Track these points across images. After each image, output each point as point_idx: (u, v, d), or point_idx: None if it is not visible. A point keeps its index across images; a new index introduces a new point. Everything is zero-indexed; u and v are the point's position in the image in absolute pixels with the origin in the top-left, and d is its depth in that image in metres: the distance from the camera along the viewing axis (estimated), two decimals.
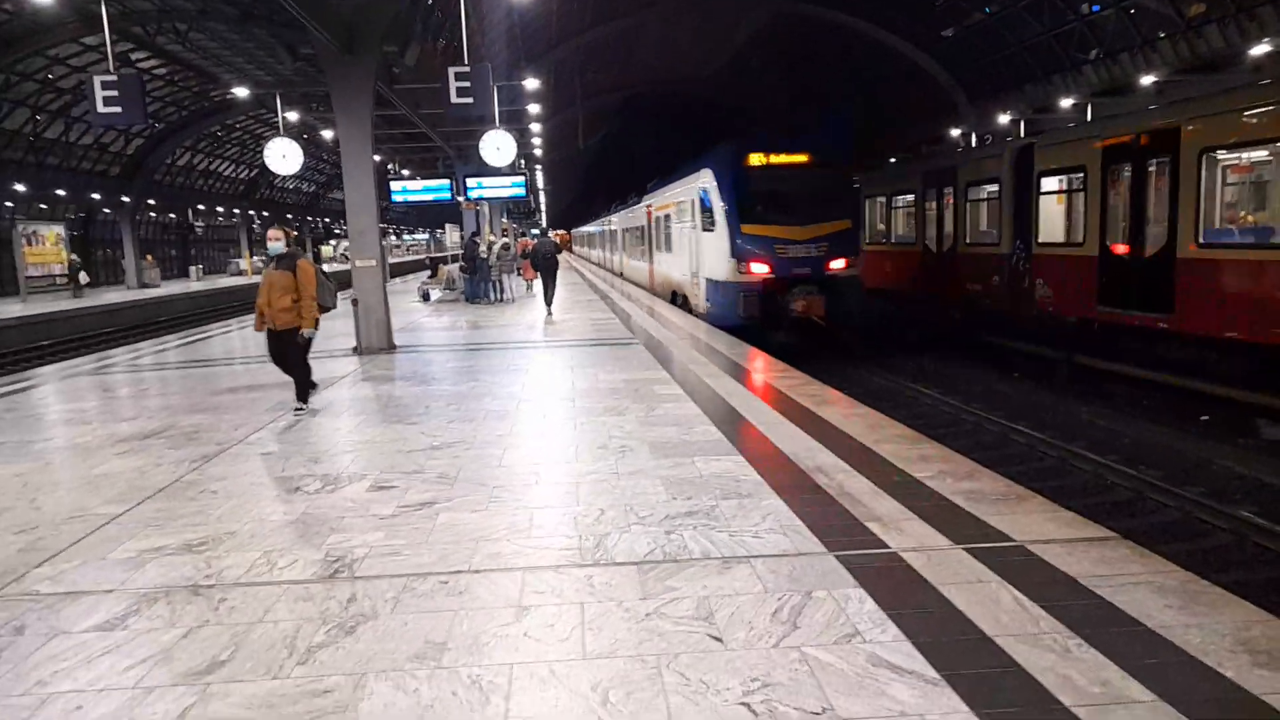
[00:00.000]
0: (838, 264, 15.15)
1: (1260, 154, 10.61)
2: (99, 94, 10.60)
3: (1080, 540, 4.38)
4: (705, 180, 16.49)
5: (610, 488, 5.53)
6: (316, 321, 8.42)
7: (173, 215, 56.22)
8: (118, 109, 10.72)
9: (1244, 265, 10.36)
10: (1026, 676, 3.08)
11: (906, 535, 4.52)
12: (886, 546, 4.38)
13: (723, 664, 3.27)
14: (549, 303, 18.77)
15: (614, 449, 6.51)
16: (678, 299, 19.88)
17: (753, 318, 14.98)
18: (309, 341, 8.53)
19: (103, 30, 10.74)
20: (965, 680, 3.07)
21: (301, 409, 8.40)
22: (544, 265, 18.87)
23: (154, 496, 5.75)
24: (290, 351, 8.44)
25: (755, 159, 15.80)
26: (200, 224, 58.61)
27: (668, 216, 20.80)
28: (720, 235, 15.62)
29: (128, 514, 5.39)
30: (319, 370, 11.35)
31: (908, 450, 6.21)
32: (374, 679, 3.24)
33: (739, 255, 15.24)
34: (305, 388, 8.59)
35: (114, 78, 10.77)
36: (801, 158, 15.87)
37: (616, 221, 33.49)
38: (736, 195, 15.53)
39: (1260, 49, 22.18)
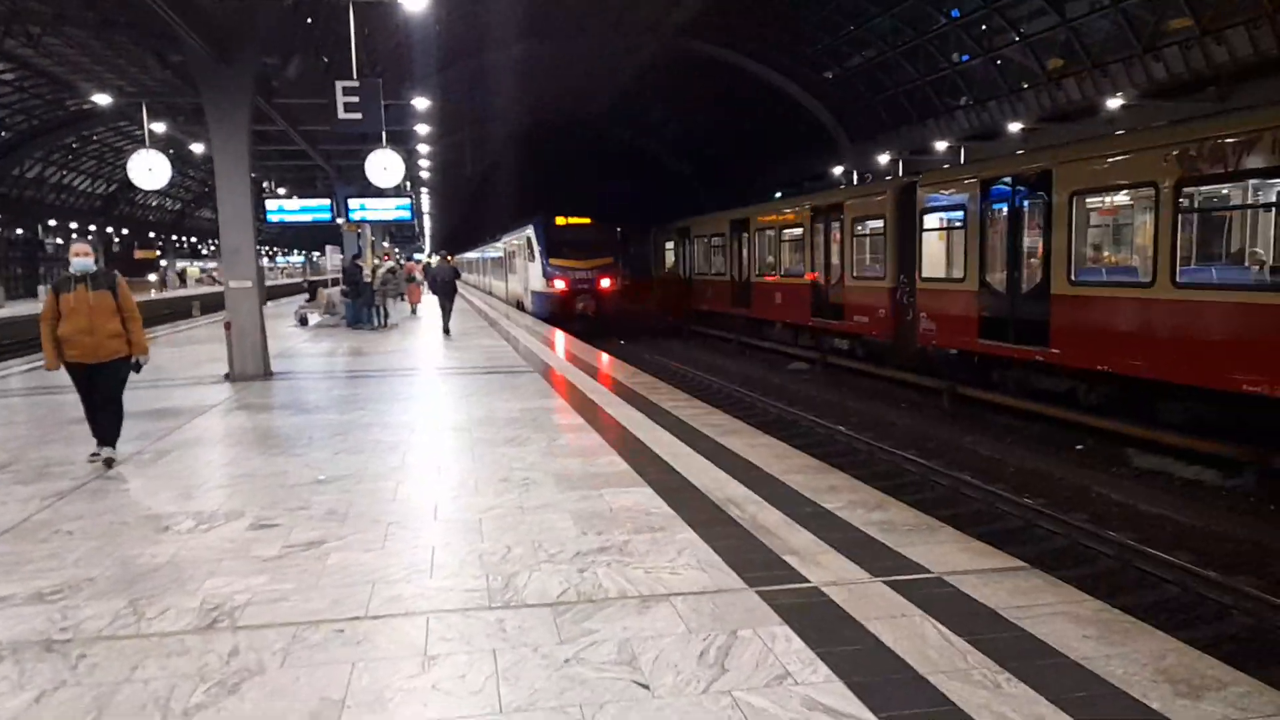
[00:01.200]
0: (605, 283, 26.00)
1: (1123, 198, 11.33)
2: None
3: (994, 570, 4.39)
4: (531, 231, 27.09)
5: (516, 523, 5.24)
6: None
7: (20, 231, 52.16)
8: None
9: (1111, 303, 10.99)
10: (964, 716, 2.99)
11: (825, 569, 4.43)
12: (807, 580, 4.27)
13: (652, 713, 3.04)
14: (446, 325, 19.53)
15: (517, 482, 6.21)
16: (519, 305, 29.96)
17: (554, 314, 24.76)
18: (139, 370, 7.36)
19: None
20: None
21: (112, 457, 7.01)
22: (443, 289, 20.01)
23: None
24: (115, 386, 7.11)
25: (559, 220, 26.59)
26: (52, 241, 54.58)
27: (513, 253, 31.76)
28: (538, 265, 26.17)
29: None
30: (188, 398, 10.57)
31: (816, 480, 6.18)
32: None
33: (548, 276, 25.68)
34: (119, 428, 7.20)
35: None
36: (584, 220, 26.86)
37: (488, 252, 45.18)
38: (546, 241, 26.06)
39: (1114, 102, 23.96)
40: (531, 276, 27.09)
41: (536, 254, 26.49)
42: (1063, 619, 3.78)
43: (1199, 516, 8.18)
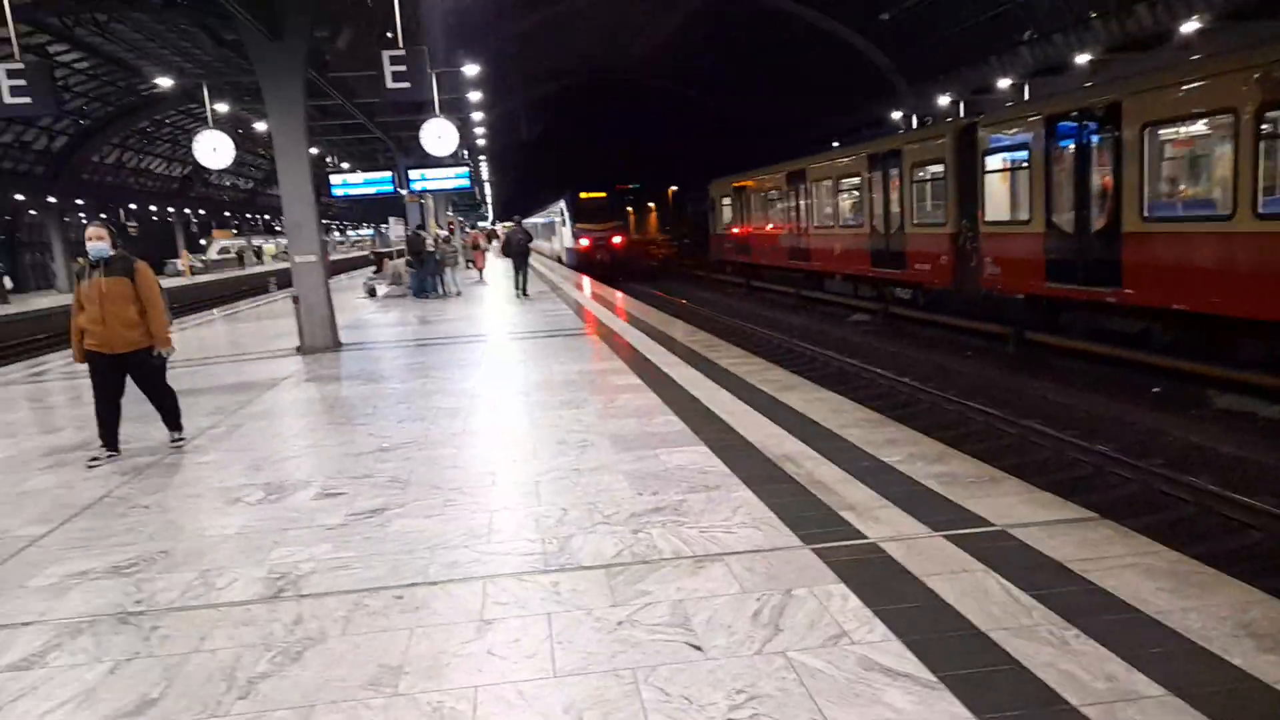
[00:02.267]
0: (617, 240, 34.70)
1: (1199, 128, 10.71)
2: (5, 84, 9.90)
3: (1060, 522, 4.25)
4: (563, 204, 37.81)
5: (572, 485, 5.27)
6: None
7: (103, 215, 54.22)
8: (26, 99, 10.02)
9: (1186, 238, 10.46)
10: (1027, 674, 2.91)
11: (883, 524, 4.35)
12: (864, 537, 4.20)
13: (704, 675, 3.04)
14: (524, 287, 20.54)
15: (574, 444, 6.25)
16: (559, 259, 40.69)
17: (580, 264, 33.75)
18: (164, 362, 7.03)
19: (5, 18, 10.02)
20: (963, 682, 2.89)
21: (181, 439, 7.08)
22: (517, 252, 21.22)
23: (80, 515, 5.34)
24: (148, 377, 6.92)
25: (583, 195, 36.04)
26: (133, 224, 56.53)
27: (552, 222, 43.61)
28: (569, 228, 36.42)
29: (50, 535, 4.98)
30: (262, 372, 10.90)
31: (873, 434, 6.06)
32: (324, 712, 2.94)
33: (575, 236, 35.37)
34: (176, 412, 7.16)
35: (20, 66, 10.08)
36: (601, 195, 35.82)
37: (536, 219, 53.05)
38: (573, 211, 35.92)
39: (1189, 26, 22.62)
40: (565, 237, 38.12)
41: (568, 220, 36.90)
42: (1134, 571, 3.64)
43: None
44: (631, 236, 35.90)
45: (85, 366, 6.78)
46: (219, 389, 9.74)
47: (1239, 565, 5.77)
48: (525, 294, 20.20)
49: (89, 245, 6.60)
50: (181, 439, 7.12)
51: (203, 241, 64.39)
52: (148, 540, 4.78)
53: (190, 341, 16.13)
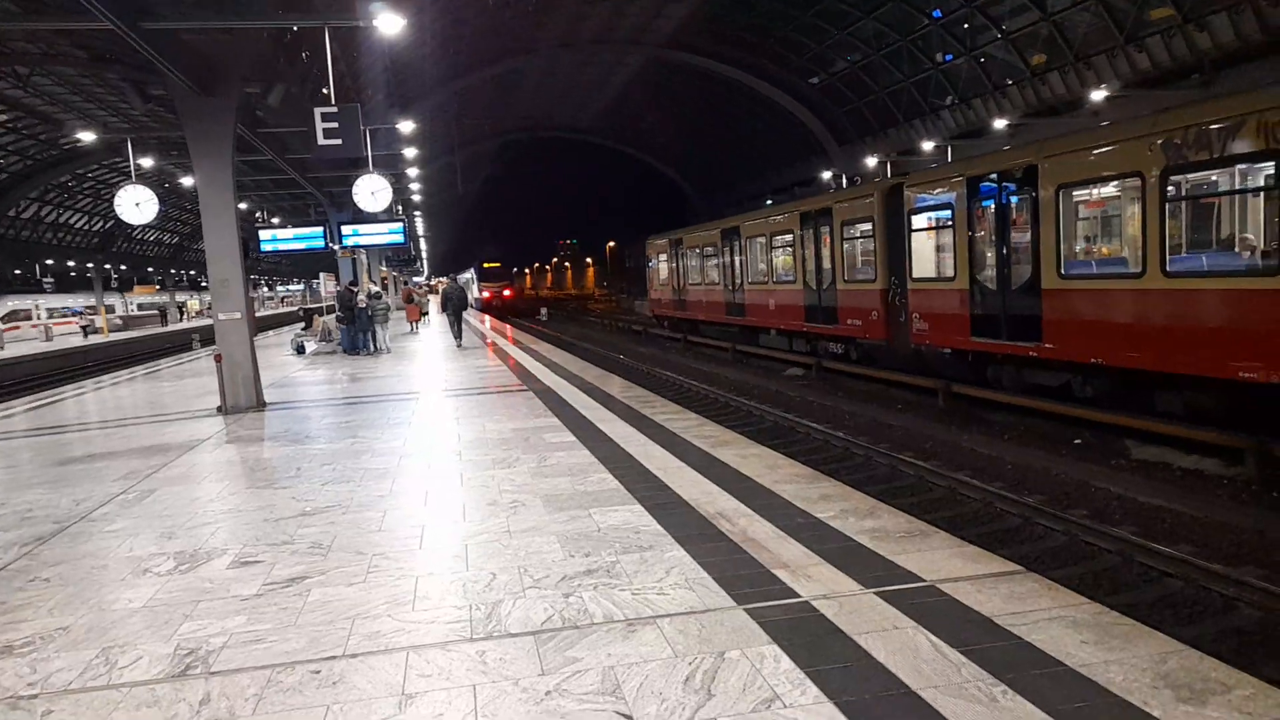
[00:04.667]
0: (506, 293, 61.91)
1: (1109, 190, 11.25)
2: None
3: (988, 576, 4.29)
4: (474, 269, 64.52)
5: (502, 548, 5.14)
6: None
7: (17, 271, 52.24)
8: None
9: (1101, 295, 10.90)
10: None
11: (815, 581, 4.33)
12: (797, 595, 4.17)
13: None
14: (458, 336, 22.71)
15: (505, 505, 6.12)
16: (471, 304, 46.91)
17: (483, 308, 55.75)
18: None
19: None
20: None
21: None
22: (454, 307, 23.40)
23: None
24: None
25: (485, 264, 62.96)
26: (49, 280, 54.61)
27: (470, 278, 63.07)
28: (475, 286, 60.66)
29: None
30: (180, 433, 10.48)
31: (807, 489, 6.08)
32: None
33: (480, 290, 59.94)
34: None
35: None
36: (497, 264, 64.00)
37: (464, 276, 67.79)
38: (480, 274, 62.03)
39: (1098, 94, 23.95)
40: (474, 290, 59.73)
41: (475, 281, 61.21)
42: (1060, 624, 3.68)
43: (1201, 507, 8.06)
44: (517, 291, 66.70)
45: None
46: (133, 452, 9.33)
47: (1159, 614, 5.92)
48: (460, 344, 21.89)
49: None
50: None
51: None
52: (46, 616, 4.48)
53: (107, 401, 15.50)
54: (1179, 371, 9.82)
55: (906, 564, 4.50)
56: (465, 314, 35.48)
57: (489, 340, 24.44)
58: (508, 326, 33.28)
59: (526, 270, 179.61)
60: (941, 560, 4.53)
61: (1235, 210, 9.83)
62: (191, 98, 11.71)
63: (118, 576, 5.06)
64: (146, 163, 22.46)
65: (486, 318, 30.68)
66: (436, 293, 48.86)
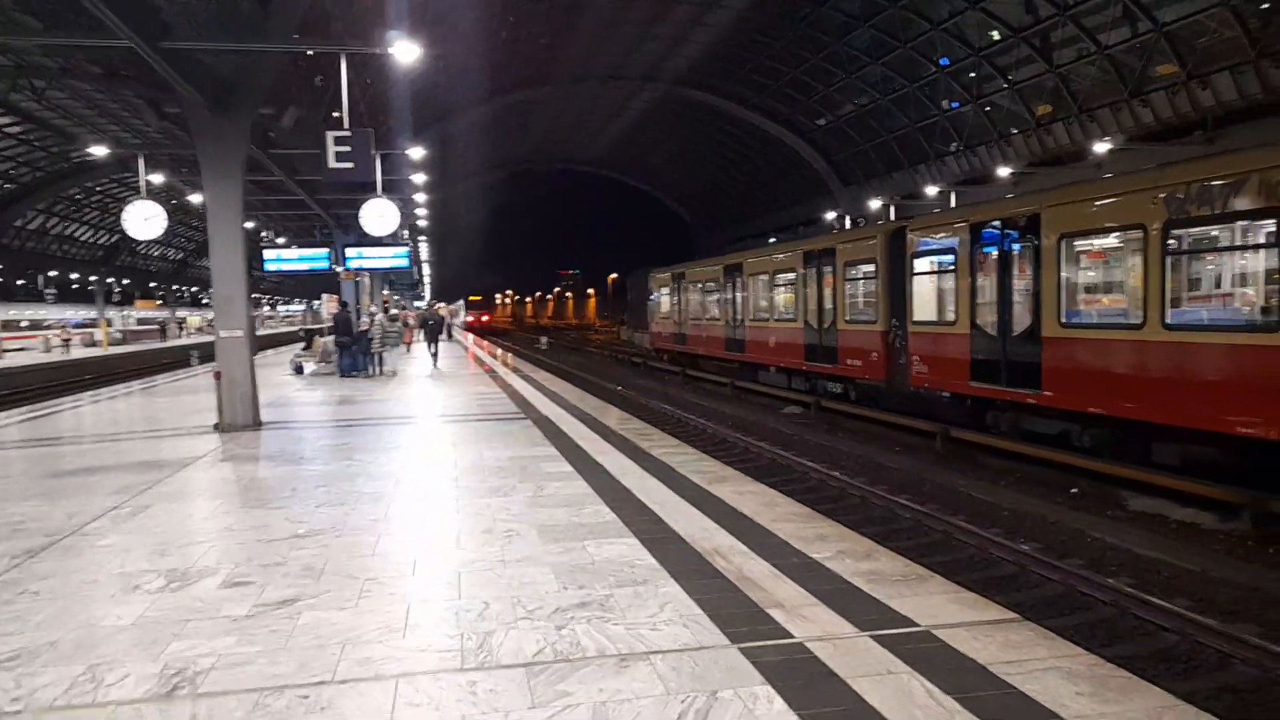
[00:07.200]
0: (485, 318, 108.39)
1: (1111, 241, 11.34)
2: None
3: (984, 623, 4.27)
4: (461, 301, 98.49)
5: (495, 578, 5.11)
6: None
7: (20, 281, 52.35)
8: None
9: (1101, 345, 10.94)
10: None
11: (810, 622, 4.31)
12: (791, 636, 4.15)
13: None
14: (435, 357, 24.36)
15: (500, 533, 6.09)
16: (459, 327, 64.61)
17: (468, 328, 76.64)
18: None
19: None
20: None
21: None
22: (430, 329, 25.25)
23: None
24: None
25: (471, 298, 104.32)
26: (52, 291, 54.71)
27: (456, 309, 79.51)
28: (462, 314, 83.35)
29: None
30: (176, 450, 10.45)
31: (804, 529, 6.06)
32: None
33: (465, 316, 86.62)
34: None
35: None
36: (479, 297, 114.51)
37: (457, 304, 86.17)
38: (466, 305, 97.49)
39: (1102, 146, 24.21)
40: (460, 317, 71.41)
41: (459, 312, 75.62)
42: (1055, 675, 3.66)
43: (1196, 560, 8.03)
44: (494, 318, 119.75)
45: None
46: (127, 466, 9.30)
47: (1155, 668, 5.87)
48: (436, 365, 23.63)
49: None
50: None
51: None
52: (34, 630, 4.44)
53: (103, 415, 15.47)
54: (1177, 424, 9.83)
55: (902, 608, 4.47)
56: (456, 334, 43.89)
57: (486, 366, 24.46)
58: (508, 354, 33.35)
59: (528, 299, 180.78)
60: (938, 605, 4.51)
61: (1236, 266, 9.91)
62: (205, 117, 11.84)
63: (108, 592, 5.03)
64: (156, 179, 22.58)
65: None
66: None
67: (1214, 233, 9.93)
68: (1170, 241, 9.87)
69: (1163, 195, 9.86)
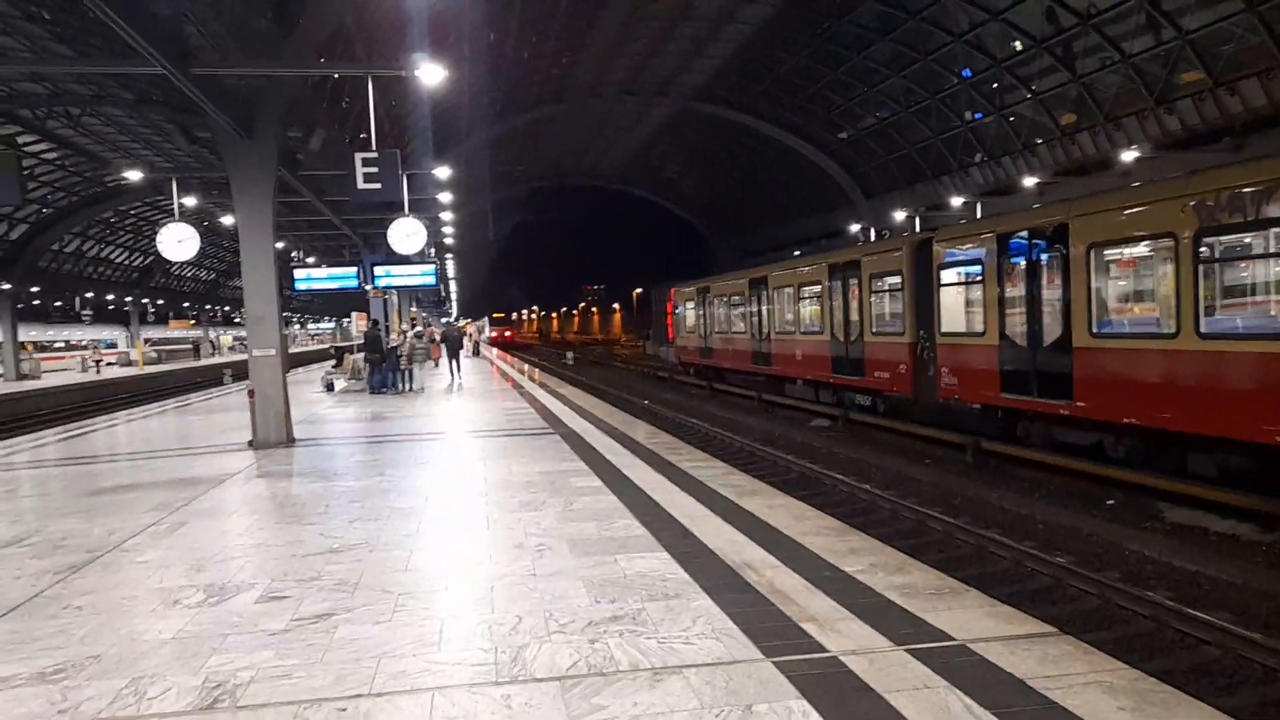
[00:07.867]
0: (508, 334, 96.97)
1: (1141, 249, 11.22)
2: None
3: (1021, 637, 4.23)
4: (486, 318, 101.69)
5: (528, 592, 5.14)
6: None
7: (58, 304, 53.34)
8: None
9: (1134, 355, 10.81)
10: None
11: (844, 636, 4.28)
12: (825, 650, 4.13)
13: None
14: (456, 372, 24.49)
15: (531, 548, 6.12)
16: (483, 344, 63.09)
17: (492, 343, 77.95)
18: None
19: None
20: None
21: None
22: (451, 346, 25.60)
23: (7, 615, 5.06)
24: None
25: (494, 315, 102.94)
26: (88, 313, 55.71)
27: (489, 323, 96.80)
28: (487, 330, 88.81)
29: None
30: (211, 467, 10.60)
31: (836, 543, 6.03)
32: None
33: (491, 332, 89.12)
34: None
35: None
36: (502, 315, 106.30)
37: (483, 321, 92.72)
38: (491, 321, 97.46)
39: (1128, 155, 23.96)
40: (486, 333, 79.47)
41: (486, 327, 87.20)
42: (1096, 689, 3.61)
43: (1238, 573, 7.88)
44: (516, 334, 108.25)
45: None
46: (164, 484, 9.45)
47: (1197, 683, 5.77)
48: (457, 381, 23.88)
49: None
50: None
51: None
52: (78, 644, 4.53)
53: (138, 434, 15.72)
54: (1213, 434, 9.67)
55: (937, 622, 4.44)
56: (482, 350, 47.20)
57: (513, 381, 24.60)
58: (534, 370, 33.57)
59: (553, 314, 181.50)
60: (973, 619, 4.47)
61: (1271, 273, 9.76)
62: (235, 141, 12.07)
63: (148, 607, 5.11)
64: (189, 202, 22.99)
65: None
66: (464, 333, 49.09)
67: (1247, 240, 9.79)
68: (1202, 249, 9.74)
69: (1193, 203, 9.74)
